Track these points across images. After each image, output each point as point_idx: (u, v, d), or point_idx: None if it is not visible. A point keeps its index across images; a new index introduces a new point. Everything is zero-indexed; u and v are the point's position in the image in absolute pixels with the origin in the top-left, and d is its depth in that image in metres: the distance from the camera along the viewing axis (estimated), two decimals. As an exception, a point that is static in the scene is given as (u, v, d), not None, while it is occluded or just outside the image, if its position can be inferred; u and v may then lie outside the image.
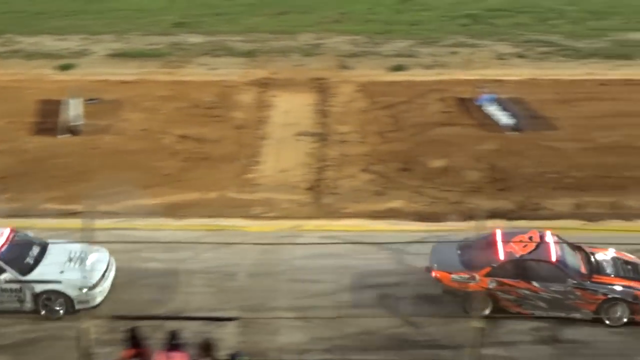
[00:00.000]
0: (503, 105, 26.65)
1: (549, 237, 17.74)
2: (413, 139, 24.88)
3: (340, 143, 24.73)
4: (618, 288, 17.21)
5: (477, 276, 17.38)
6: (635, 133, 24.90)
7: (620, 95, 27.55)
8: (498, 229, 18.14)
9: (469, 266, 17.55)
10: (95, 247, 18.24)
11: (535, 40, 32.54)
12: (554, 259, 17.31)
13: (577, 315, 17.24)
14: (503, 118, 25.98)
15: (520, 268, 17.27)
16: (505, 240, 17.63)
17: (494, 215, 20.43)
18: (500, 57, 31.07)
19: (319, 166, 23.42)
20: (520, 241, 17.59)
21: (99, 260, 18.20)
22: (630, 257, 18.23)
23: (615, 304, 17.14)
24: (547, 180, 22.51)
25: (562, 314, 17.24)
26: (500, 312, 17.26)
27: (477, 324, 16.56)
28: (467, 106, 26.82)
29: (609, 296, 17.14)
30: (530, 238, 17.73)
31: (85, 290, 17.51)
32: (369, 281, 18.71)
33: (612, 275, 17.47)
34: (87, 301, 17.56)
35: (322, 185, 22.49)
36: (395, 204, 21.58)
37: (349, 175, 22.99)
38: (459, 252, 18.05)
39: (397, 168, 23.27)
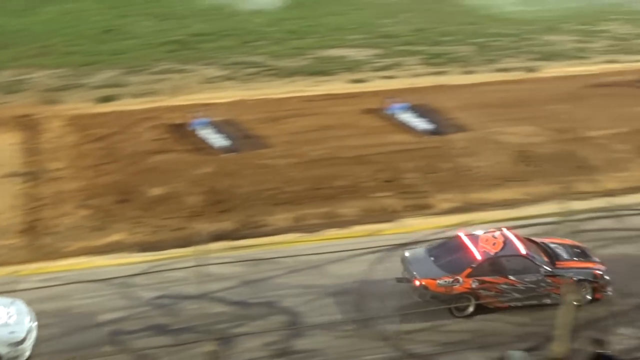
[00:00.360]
0: (216, 128, 26.88)
1: (509, 234, 18.77)
2: (129, 169, 24.44)
3: (54, 180, 23.77)
4: (581, 270, 18.48)
5: (461, 278, 17.86)
6: (339, 144, 25.98)
7: (324, 110, 28.68)
8: (460, 231, 18.83)
9: (449, 270, 18.02)
10: (9, 298, 16.89)
11: (241, 62, 33.16)
12: (524, 252, 18.32)
13: (548, 301, 18.15)
14: (217, 141, 26.19)
15: (496, 265, 18.15)
16: (474, 241, 18.43)
17: (218, 237, 20.53)
18: (209, 80, 31.35)
19: (33, 207, 22.37)
20: (487, 240, 18.51)
21: (20, 312, 16.68)
22: (574, 242, 19.40)
23: (581, 285, 18.24)
24: (265, 197, 22.93)
25: (536, 302, 18.23)
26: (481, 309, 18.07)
27: (209, 347, 16.53)
28: (181, 132, 26.78)
29: (575, 278, 18.16)
30: (494, 236, 18.67)
31: (14, 346, 15.99)
32: (97, 319, 18.09)
33: (570, 260, 18.69)
34: (16, 357, 16.11)
35: (37, 226, 21.49)
36: (117, 237, 21.06)
37: (66, 212, 22.14)
38: (432, 259, 18.35)
39: (115, 200, 22.74)
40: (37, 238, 20.97)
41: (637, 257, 20.26)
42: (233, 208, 22.37)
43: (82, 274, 19.38)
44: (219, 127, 26.93)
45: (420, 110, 28.49)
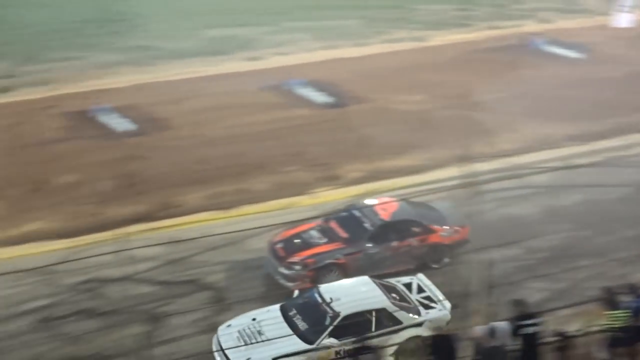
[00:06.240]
0: (117, 113, 26.74)
1: None
2: (36, 159, 24.09)
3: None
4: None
5: None
6: (241, 122, 26.16)
7: (222, 89, 28.79)
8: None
9: None
10: None
11: (135, 47, 32.85)
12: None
13: None
14: (120, 125, 26.07)
15: None
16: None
17: (134, 220, 20.59)
18: (105, 66, 30.99)
19: (-58, 201, 21.85)
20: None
21: None
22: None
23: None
24: (176, 177, 23.00)
25: None
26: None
27: (140, 328, 16.67)
28: (83, 119, 26.50)
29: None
30: None
31: None
32: (22, 308, 17.94)
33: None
34: None
35: (-51, 220, 21.04)
36: (33, 226, 20.81)
37: (-24, 205, 21.75)
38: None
39: (26, 190, 22.43)
40: (-51, 232, 20.55)
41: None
42: (145, 191, 22.38)
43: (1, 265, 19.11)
44: (120, 111, 26.78)
45: (317, 85, 28.96)
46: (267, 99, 28.11)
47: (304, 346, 15.32)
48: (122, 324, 17.16)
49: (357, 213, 18.70)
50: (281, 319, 15.95)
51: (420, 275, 17.46)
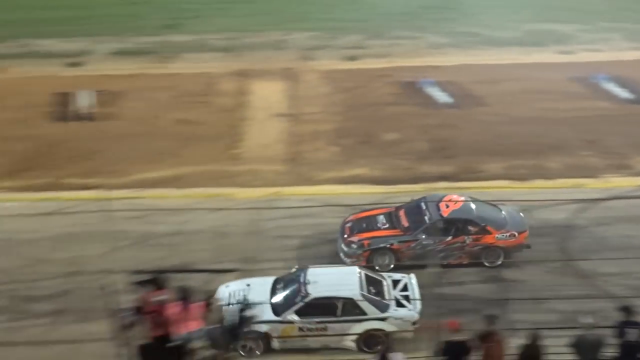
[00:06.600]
0: (440, 87, 27.00)
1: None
2: (369, 117, 25.17)
3: (310, 122, 24.92)
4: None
5: None
6: (546, 106, 25.45)
7: (534, 76, 28.05)
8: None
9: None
10: None
11: (463, 32, 32.86)
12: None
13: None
14: (441, 98, 26.32)
15: None
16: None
17: (440, 178, 20.88)
18: (435, 46, 31.36)
19: (294, 141, 23.63)
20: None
21: None
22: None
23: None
24: (481, 147, 22.97)
25: None
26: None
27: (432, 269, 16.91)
28: (411, 89, 27.14)
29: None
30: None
31: None
32: (336, 236, 18.89)
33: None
34: None
35: (297, 157, 22.67)
36: (359, 171, 21.87)
37: (319, 148, 23.22)
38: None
39: (357, 141, 23.55)
40: (296, 167, 22.17)
41: None
42: (453, 155, 22.61)
43: (331, 198, 20.30)
44: (443, 86, 27.03)
45: (621, 81, 27.27)
46: (573, 88, 27.02)
47: (272, 317, 15.26)
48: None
49: (423, 206, 17.90)
50: (268, 289, 15.81)
51: (412, 275, 16.43)
